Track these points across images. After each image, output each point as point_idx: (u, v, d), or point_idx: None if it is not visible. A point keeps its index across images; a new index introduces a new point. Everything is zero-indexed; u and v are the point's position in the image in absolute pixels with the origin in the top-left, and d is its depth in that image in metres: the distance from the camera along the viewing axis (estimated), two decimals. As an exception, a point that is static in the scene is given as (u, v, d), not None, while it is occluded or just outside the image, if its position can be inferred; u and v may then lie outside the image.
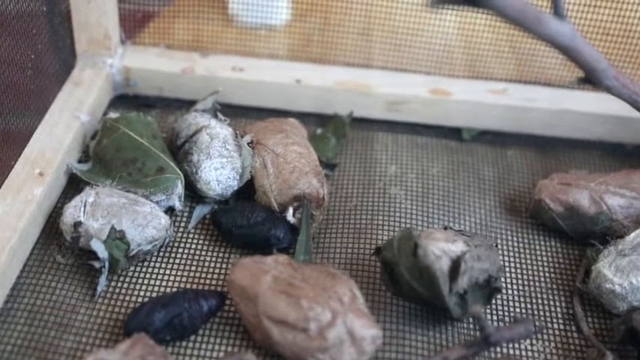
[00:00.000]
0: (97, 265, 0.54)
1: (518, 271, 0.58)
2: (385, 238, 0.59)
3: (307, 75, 0.71)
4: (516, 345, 0.53)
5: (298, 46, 0.78)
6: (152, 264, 0.56)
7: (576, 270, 0.59)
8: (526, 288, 0.57)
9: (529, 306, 0.56)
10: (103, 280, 0.54)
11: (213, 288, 0.55)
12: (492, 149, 0.69)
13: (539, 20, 0.45)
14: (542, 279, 0.58)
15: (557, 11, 0.47)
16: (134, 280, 0.55)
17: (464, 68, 0.76)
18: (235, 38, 0.77)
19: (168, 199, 0.58)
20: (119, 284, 0.55)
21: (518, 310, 0.56)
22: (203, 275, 0.56)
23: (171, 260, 0.57)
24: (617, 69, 0.52)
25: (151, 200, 0.57)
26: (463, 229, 0.60)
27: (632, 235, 0.55)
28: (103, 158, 0.60)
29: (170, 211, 0.60)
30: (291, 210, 0.57)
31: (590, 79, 0.52)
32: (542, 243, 0.61)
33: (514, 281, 0.58)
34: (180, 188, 0.59)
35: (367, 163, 0.67)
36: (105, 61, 0.69)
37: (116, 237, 0.54)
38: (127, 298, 0.54)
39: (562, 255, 0.60)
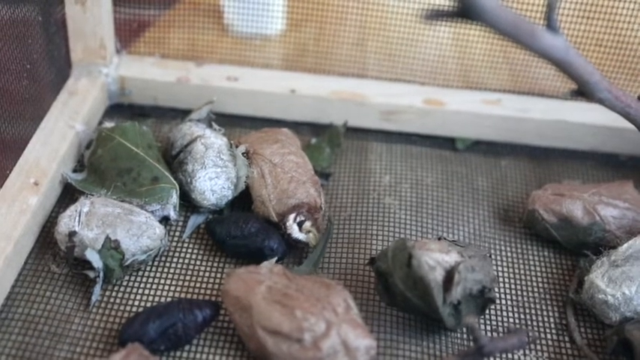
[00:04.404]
0: (91, 274, 0.54)
1: (512, 281, 0.59)
2: (379, 248, 0.59)
3: (302, 85, 0.71)
4: (509, 355, 0.53)
5: (293, 56, 0.79)
6: (147, 274, 0.56)
7: (569, 280, 0.59)
8: (519, 298, 0.57)
9: (522, 316, 0.56)
10: (97, 290, 0.54)
11: (207, 298, 0.55)
12: (486, 159, 0.70)
13: (533, 34, 0.45)
14: (536, 289, 0.58)
15: (551, 24, 0.47)
16: (129, 289, 0.55)
17: (458, 78, 0.76)
18: (230, 48, 0.77)
19: (163, 209, 0.58)
20: (114, 294, 0.55)
21: (511, 320, 0.56)
22: (197, 285, 0.56)
23: (165, 270, 0.57)
24: (609, 81, 0.52)
25: (146, 210, 0.58)
26: (457, 240, 0.60)
27: (625, 245, 0.56)
28: (98, 168, 0.60)
29: (165, 220, 0.60)
30: (295, 227, 0.58)
31: (583, 92, 0.52)
32: (536, 253, 0.61)
33: (507, 291, 0.58)
34: (175, 198, 0.59)
35: (361, 172, 0.67)
36: (100, 70, 0.69)
37: (111, 247, 0.54)
38: (122, 307, 0.54)
39: (555, 265, 0.60)
